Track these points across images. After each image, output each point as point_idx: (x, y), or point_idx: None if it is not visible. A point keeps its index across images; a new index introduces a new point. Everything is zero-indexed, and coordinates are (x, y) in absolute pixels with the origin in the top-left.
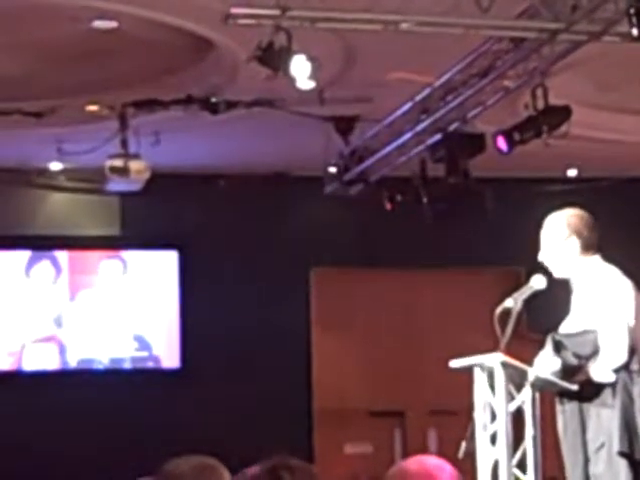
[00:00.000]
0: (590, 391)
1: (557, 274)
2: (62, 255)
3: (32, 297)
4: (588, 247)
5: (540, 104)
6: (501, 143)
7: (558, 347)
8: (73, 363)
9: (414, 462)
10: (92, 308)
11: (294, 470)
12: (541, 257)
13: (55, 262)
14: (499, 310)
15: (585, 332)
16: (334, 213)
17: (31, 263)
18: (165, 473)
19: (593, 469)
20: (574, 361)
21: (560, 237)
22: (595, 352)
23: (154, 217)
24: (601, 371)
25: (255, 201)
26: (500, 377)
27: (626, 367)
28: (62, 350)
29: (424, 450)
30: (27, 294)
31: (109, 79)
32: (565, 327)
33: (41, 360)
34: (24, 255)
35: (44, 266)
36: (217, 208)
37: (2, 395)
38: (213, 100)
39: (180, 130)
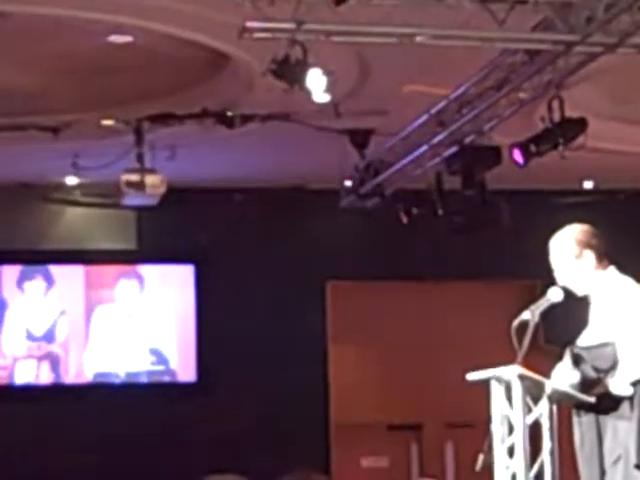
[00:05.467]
0: (608, 404)
1: (580, 292)
2: (78, 270)
3: (50, 311)
4: (601, 257)
5: (556, 116)
6: (517, 155)
7: (577, 360)
8: (90, 377)
9: None
10: (109, 322)
11: None
12: (560, 282)
13: (74, 277)
14: (516, 322)
15: (604, 345)
16: (350, 226)
17: (48, 279)
18: None
19: None
20: (593, 374)
21: (572, 255)
22: (614, 365)
23: (170, 231)
24: (619, 384)
25: (271, 214)
26: (517, 390)
27: None
28: (78, 364)
29: (441, 463)
30: (46, 308)
31: (124, 93)
32: (583, 340)
33: (58, 374)
34: (40, 270)
35: (61, 281)
36: (233, 222)
37: (18, 408)
38: (229, 114)
39: (196, 144)
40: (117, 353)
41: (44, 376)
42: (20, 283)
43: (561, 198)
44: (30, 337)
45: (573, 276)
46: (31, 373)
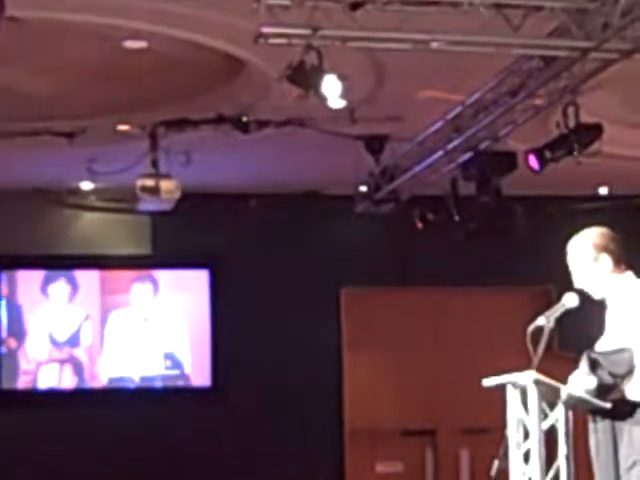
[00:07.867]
0: (624, 409)
1: (596, 296)
2: (93, 274)
3: (74, 316)
4: (619, 261)
5: (571, 122)
6: (532, 161)
7: (594, 365)
8: (104, 381)
9: None
10: (123, 327)
11: None
12: (577, 284)
13: (90, 282)
14: (531, 328)
15: (621, 350)
16: (365, 232)
17: (72, 283)
18: None
19: None
20: (610, 380)
21: (589, 259)
22: (630, 371)
23: (185, 236)
24: (636, 390)
25: (286, 220)
26: (533, 395)
27: None
28: (93, 368)
29: (456, 469)
30: (70, 313)
31: (140, 99)
32: (600, 345)
33: (73, 379)
34: (63, 275)
35: (80, 286)
36: (248, 227)
37: (38, 413)
38: (244, 119)
39: (211, 149)
40: (132, 358)
41: (67, 380)
42: (44, 288)
43: (576, 204)
44: (54, 342)
45: (590, 279)
46: (54, 378)
